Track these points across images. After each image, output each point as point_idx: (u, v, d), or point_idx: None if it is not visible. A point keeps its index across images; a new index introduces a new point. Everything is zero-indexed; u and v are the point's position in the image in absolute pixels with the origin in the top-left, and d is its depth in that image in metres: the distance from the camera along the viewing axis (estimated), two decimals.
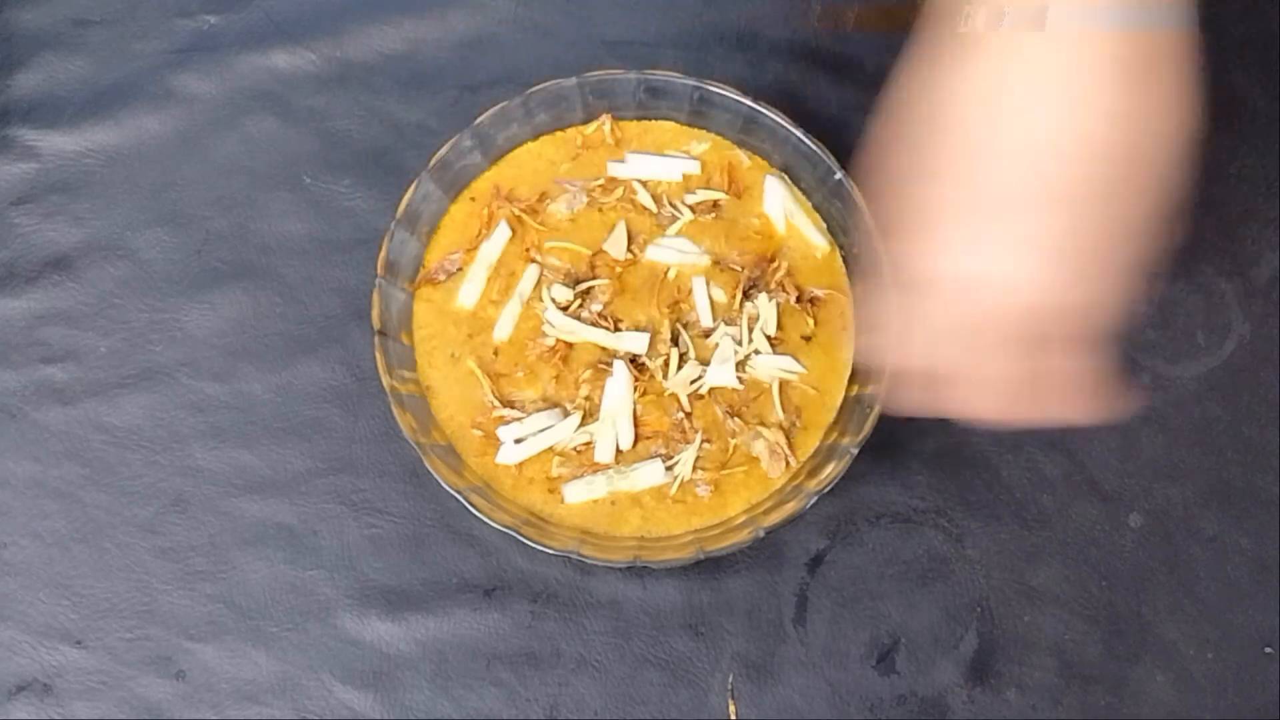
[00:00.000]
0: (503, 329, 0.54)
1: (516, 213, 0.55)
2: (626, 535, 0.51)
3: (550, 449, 0.52)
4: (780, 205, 0.56)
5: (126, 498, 0.54)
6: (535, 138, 0.57)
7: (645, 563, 0.49)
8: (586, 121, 0.57)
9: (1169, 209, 0.35)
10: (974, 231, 0.34)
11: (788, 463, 0.52)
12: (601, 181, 0.56)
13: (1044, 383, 0.38)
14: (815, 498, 0.49)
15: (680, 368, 0.53)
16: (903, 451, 0.55)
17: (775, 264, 0.55)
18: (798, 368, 0.53)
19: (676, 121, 0.57)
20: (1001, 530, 0.54)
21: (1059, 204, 0.32)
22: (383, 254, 0.52)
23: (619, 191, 0.56)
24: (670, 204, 0.56)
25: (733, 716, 0.51)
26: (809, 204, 0.56)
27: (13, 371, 0.55)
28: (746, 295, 0.54)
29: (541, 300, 0.54)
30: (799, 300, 0.54)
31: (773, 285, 0.55)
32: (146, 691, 0.51)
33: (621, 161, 0.56)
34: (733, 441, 0.52)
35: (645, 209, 0.56)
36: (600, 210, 0.56)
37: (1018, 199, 0.33)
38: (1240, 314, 0.58)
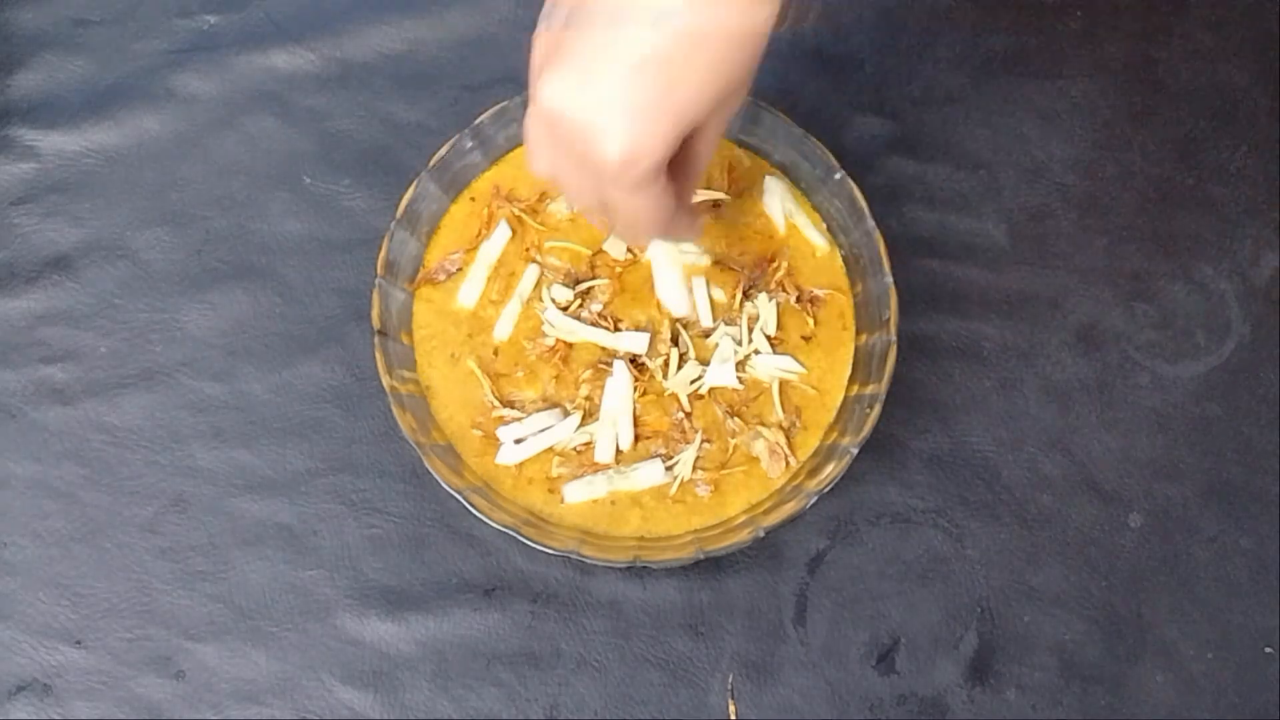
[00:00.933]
0: (503, 329, 0.54)
1: (516, 213, 0.55)
2: (626, 535, 0.51)
3: (550, 449, 0.52)
4: (780, 205, 0.56)
5: (126, 498, 0.54)
6: None
7: (645, 563, 0.49)
8: None
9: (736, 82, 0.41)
10: (581, 72, 0.39)
11: (788, 463, 0.52)
12: None
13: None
14: (815, 498, 0.49)
15: (680, 368, 0.53)
16: (903, 451, 0.55)
17: (775, 264, 0.55)
18: (798, 368, 0.53)
19: None
20: (1001, 530, 0.54)
21: (657, 62, 0.38)
22: (383, 254, 0.52)
23: None
24: None
25: (733, 716, 0.51)
26: (809, 204, 0.56)
27: (13, 371, 0.55)
28: (746, 295, 0.54)
29: (541, 300, 0.54)
30: (799, 300, 0.54)
31: (773, 285, 0.55)
32: (146, 691, 0.51)
33: None
34: (733, 441, 0.52)
35: None
36: None
37: (618, 53, 0.38)
38: (1240, 314, 0.58)
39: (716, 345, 0.54)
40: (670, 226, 0.44)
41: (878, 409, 0.50)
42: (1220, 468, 0.55)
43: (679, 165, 0.44)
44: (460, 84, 0.60)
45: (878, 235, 0.53)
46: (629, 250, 0.55)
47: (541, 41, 0.41)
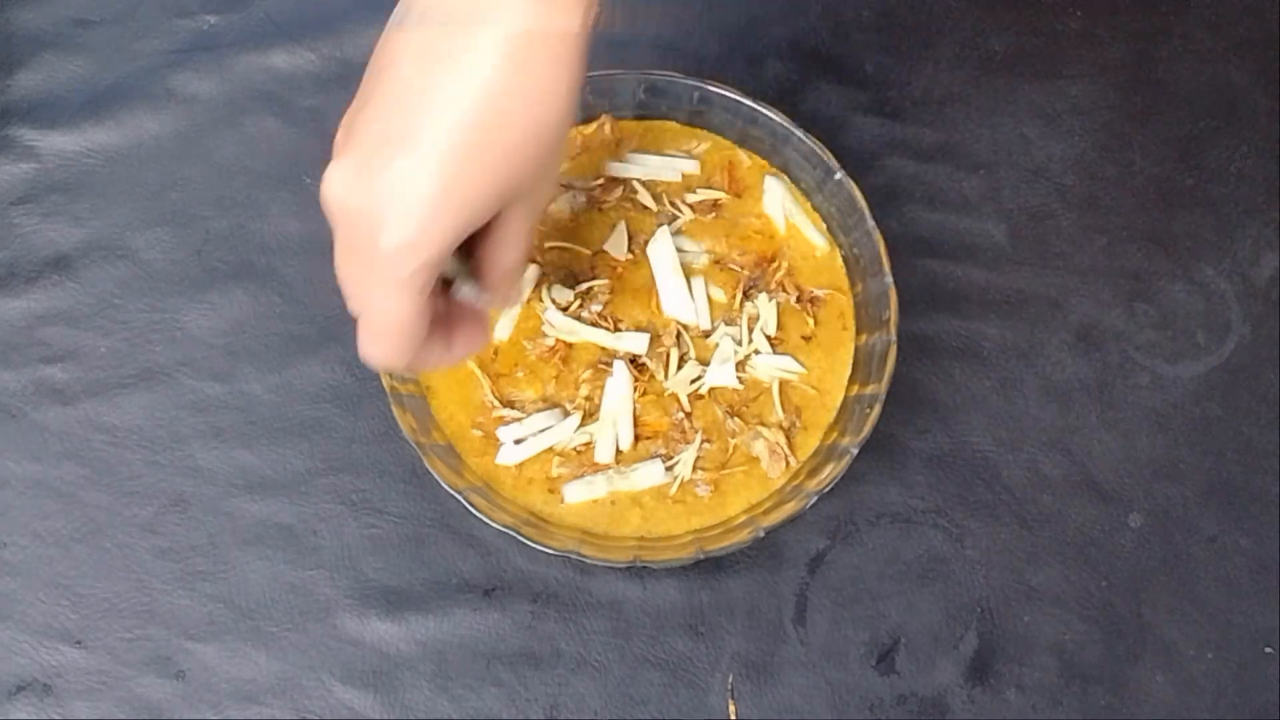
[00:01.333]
0: (503, 329, 0.54)
1: None
2: (626, 535, 0.51)
3: (550, 449, 0.52)
4: (780, 205, 0.56)
5: (126, 498, 0.54)
6: None
7: (645, 563, 0.49)
8: (586, 121, 0.57)
9: (539, 188, 0.40)
10: (365, 160, 0.37)
11: (788, 463, 0.52)
12: (601, 181, 0.56)
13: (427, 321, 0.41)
14: (815, 498, 0.49)
15: (680, 368, 0.53)
16: (903, 451, 0.55)
17: (775, 264, 0.55)
18: (798, 368, 0.53)
19: (676, 121, 0.57)
20: (1001, 530, 0.54)
21: (442, 155, 0.37)
22: None
23: (619, 191, 0.56)
24: (670, 203, 0.56)
25: (733, 716, 0.51)
26: (809, 204, 0.56)
27: (13, 371, 0.55)
28: (746, 295, 0.54)
29: (541, 300, 0.54)
30: (799, 300, 0.54)
31: (773, 285, 0.55)
32: (146, 691, 0.51)
33: (621, 161, 0.56)
34: (733, 441, 0.52)
35: (645, 209, 0.56)
36: (600, 210, 0.56)
37: (405, 140, 0.37)
38: (1240, 314, 0.58)
39: (716, 345, 0.54)
40: (417, 348, 0.41)
41: (878, 409, 0.50)
42: (1220, 468, 0.55)
43: (483, 267, 0.43)
44: None
45: (878, 235, 0.53)
46: (629, 250, 0.55)
47: (343, 126, 0.40)
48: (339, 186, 0.38)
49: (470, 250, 0.43)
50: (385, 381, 0.50)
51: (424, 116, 0.36)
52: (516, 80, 0.37)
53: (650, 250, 0.54)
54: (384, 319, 0.39)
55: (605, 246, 0.55)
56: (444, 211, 0.37)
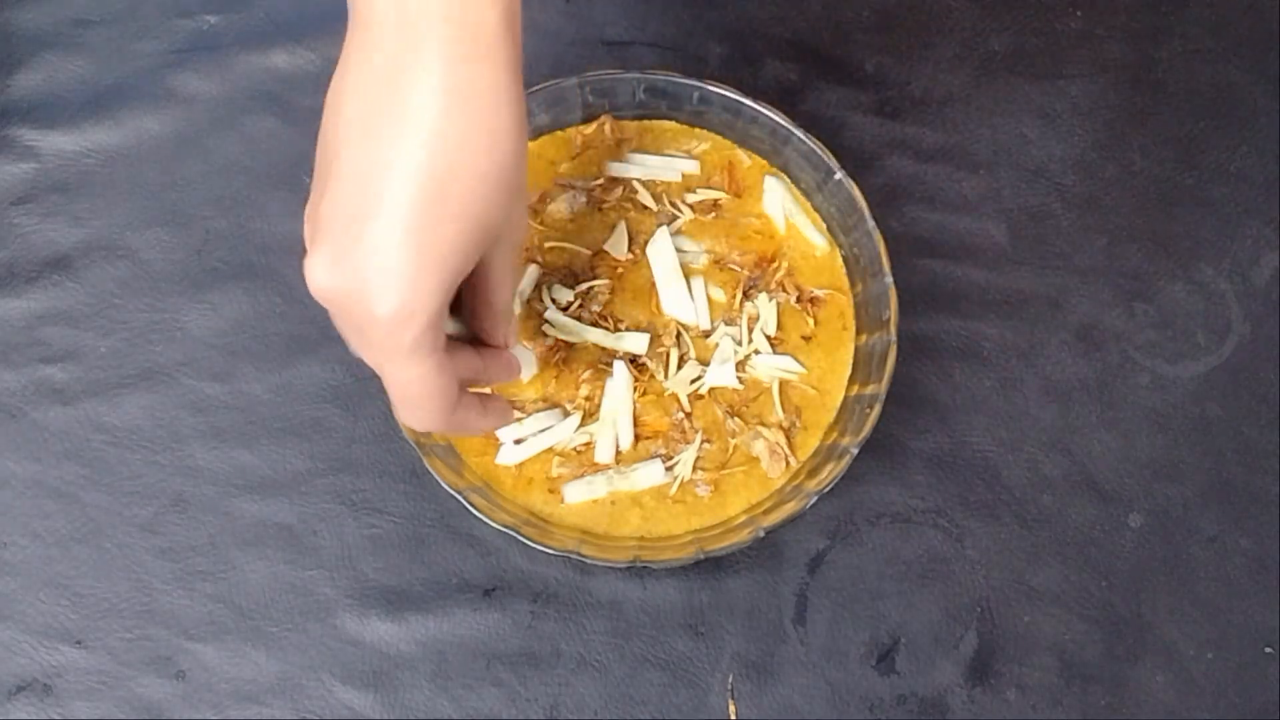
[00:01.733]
0: None
1: None
2: (626, 535, 0.51)
3: (550, 449, 0.52)
4: (780, 205, 0.56)
5: (126, 498, 0.54)
6: (535, 138, 0.57)
7: (645, 563, 0.49)
8: (586, 121, 0.57)
9: (501, 230, 0.40)
10: (337, 244, 0.37)
11: (788, 463, 0.52)
12: (601, 181, 0.56)
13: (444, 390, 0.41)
14: (815, 498, 0.49)
15: (680, 368, 0.53)
16: (903, 451, 0.55)
17: (775, 264, 0.55)
18: (798, 368, 0.53)
19: (676, 121, 0.57)
20: (1001, 530, 0.54)
21: (405, 218, 0.37)
22: None
23: (619, 191, 0.56)
24: (670, 203, 0.56)
25: (733, 716, 0.51)
26: (809, 204, 0.56)
27: (13, 371, 0.55)
28: (746, 295, 0.55)
29: (542, 300, 0.54)
30: (799, 300, 0.54)
31: (773, 285, 0.55)
32: (146, 691, 0.51)
33: (621, 161, 0.56)
34: (733, 441, 0.52)
35: (645, 208, 0.56)
36: (600, 210, 0.56)
37: (368, 214, 0.37)
38: (1240, 314, 0.58)
39: (716, 345, 0.54)
40: (452, 409, 0.41)
41: (878, 409, 0.50)
42: (1220, 468, 0.55)
43: (476, 316, 0.44)
44: None
45: (878, 235, 0.53)
46: (629, 250, 0.55)
47: (307, 219, 0.40)
48: (321, 275, 0.38)
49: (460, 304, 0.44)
50: None
51: (380, 185, 0.36)
52: (460, 125, 0.36)
53: (650, 250, 0.54)
54: (408, 388, 0.40)
55: (605, 246, 0.55)
56: (423, 271, 0.37)
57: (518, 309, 0.54)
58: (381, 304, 0.37)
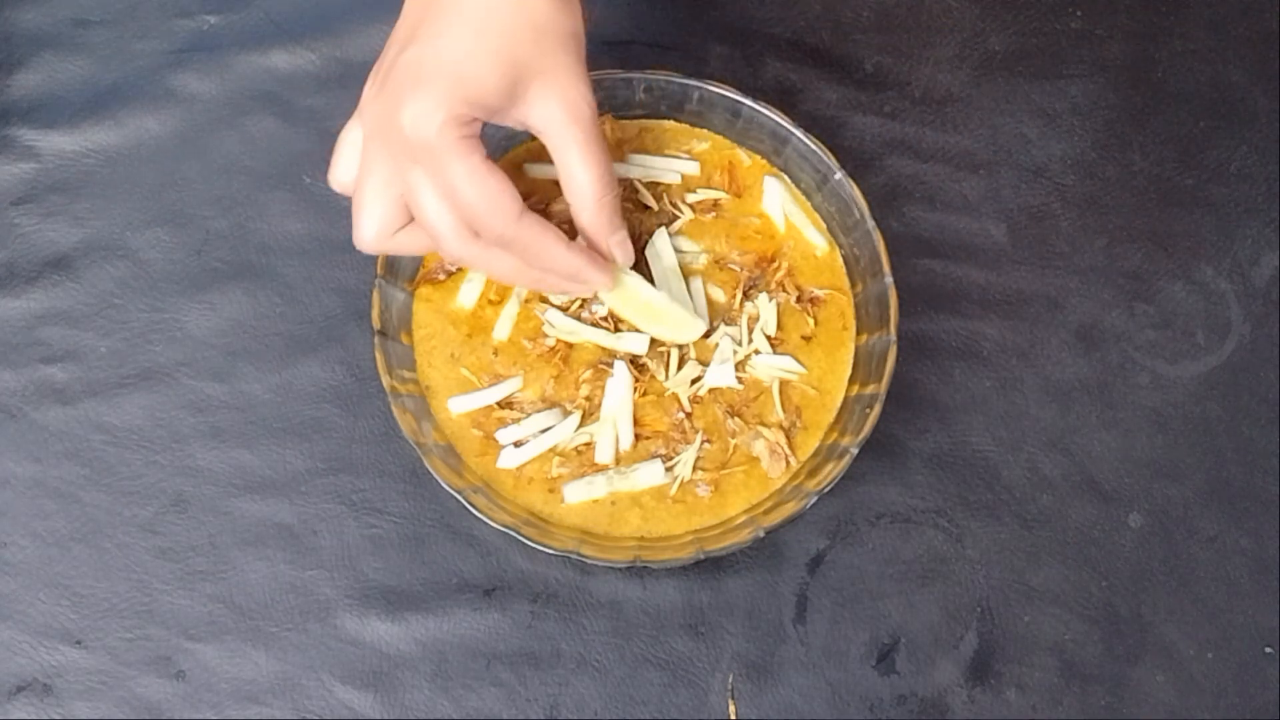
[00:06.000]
0: (502, 329, 0.54)
1: None
2: (626, 535, 0.51)
3: (550, 449, 0.52)
4: (780, 205, 0.56)
5: (126, 498, 0.54)
6: (535, 138, 0.56)
7: (645, 563, 0.49)
8: None
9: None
10: (385, 74, 0.45)
11: (788, 463, 0.52)
12: None
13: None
14: (815, 498, 0.49)
15: (680, 368, 0.53)
16: (903, 451, 0.55)
17: (775, 264, 0.55)
18: (798, 368, 0.53)
19: (676, 121, 0.57)
20: (1001, 530, 0.54)
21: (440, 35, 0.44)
22: (382, 254, 0.52)
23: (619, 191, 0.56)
24: (670, 203, 0.56)
25: (733, 716, 0.51)
26: (809, 204, 0.56)
27: (13, 371, 0.55)
28: (746, 295, 0.54)
29: (541, 300, 0.54)
30: (799, 300, 0.54)
31: (773, 285, 0.55)
32: (146, 691, 0.51)
33: (622, 161, 0.56)
34: (733, 441, 0.52)
35: (645, 209, 0.56)
36: None
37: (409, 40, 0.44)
38: (1240, 314, 0.58)
39: (716, 345, 0.54)
40: (519, 217, 0.44)
41: (878, 409, 0.50)
42: (1220, 468, 0.55)
43: (574, 211, 0.48)
44: None
45: (877, 235, 0.53)
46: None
47: (371, 78, 0.46)
48: (368, 99, 0.46)
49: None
50: (385, 382, 0.50)
51: (427, 26, 0.44)
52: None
53: (650, 251, 0.54)
54: (465, 193, 0.43)
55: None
56: (467, 66, 0.43)
57: (585, 323, 0.54)
58: (410, 106, 0.43)
